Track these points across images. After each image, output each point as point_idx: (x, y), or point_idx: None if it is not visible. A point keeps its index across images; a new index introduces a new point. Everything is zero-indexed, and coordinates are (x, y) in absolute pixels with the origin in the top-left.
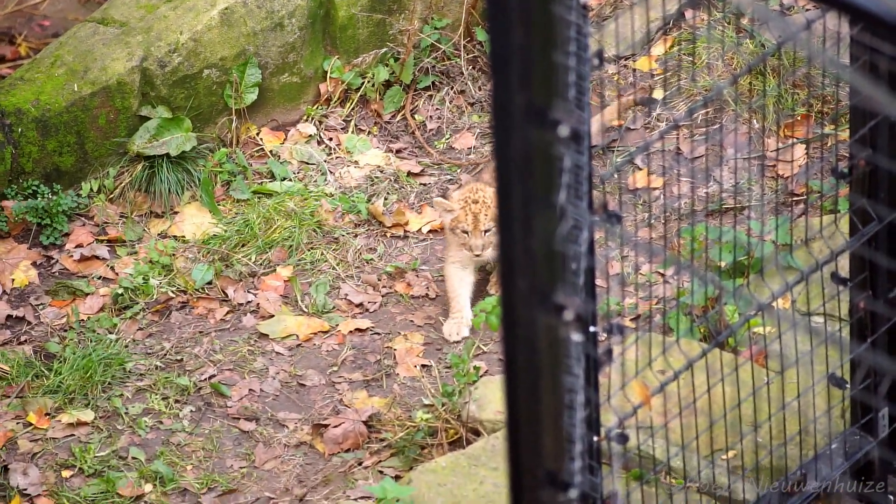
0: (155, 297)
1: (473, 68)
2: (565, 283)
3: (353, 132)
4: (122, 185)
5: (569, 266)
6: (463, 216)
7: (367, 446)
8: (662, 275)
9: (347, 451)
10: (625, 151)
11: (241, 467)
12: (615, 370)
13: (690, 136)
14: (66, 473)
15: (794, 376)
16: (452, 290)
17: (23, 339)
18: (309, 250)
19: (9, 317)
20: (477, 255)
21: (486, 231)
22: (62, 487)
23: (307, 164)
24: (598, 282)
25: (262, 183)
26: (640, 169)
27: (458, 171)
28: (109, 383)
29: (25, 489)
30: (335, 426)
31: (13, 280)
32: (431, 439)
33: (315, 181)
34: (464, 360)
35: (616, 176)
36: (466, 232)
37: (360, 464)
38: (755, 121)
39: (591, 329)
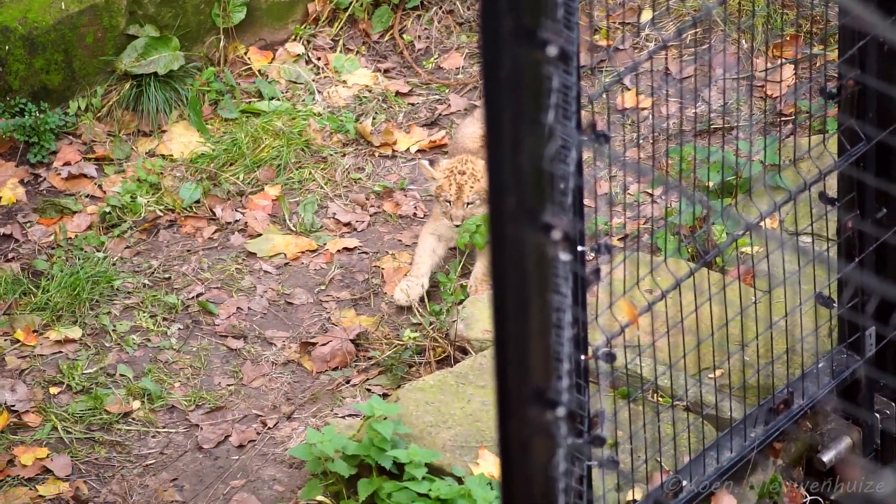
0: (143, 215)
1: None
2: (553, 203)
3: (341, 52)
4: (110, 103)
5: (557, 185)
6: (447, 185)
7: (354, 365)
8: (650, 194)
9: (335, 369)
10: (613, 71)
11: (228, 385)
12: (603, 289)
13: (679, 57)
14: (53, 390)
15: (781, 296)
16: (419, 255)
17: (10, 256)
18: (297, 169)
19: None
20: (456, 225)
21: (468, 203)
22: (50, 404)
23: (295, 83)
24: (587, 201)
25: (249, 102)
26: (629, 89)
27: (447, 91)
28: (97, 301)
29: (13, 405)
30: (323, 344)
31: (1, 198)
32: (419, 358)
33: (303, 100)
34: (451, 278)
35: (604, 96)
36: (449, 201)
37: (347, 382)
38: (744, 41)
39: (579, 248)
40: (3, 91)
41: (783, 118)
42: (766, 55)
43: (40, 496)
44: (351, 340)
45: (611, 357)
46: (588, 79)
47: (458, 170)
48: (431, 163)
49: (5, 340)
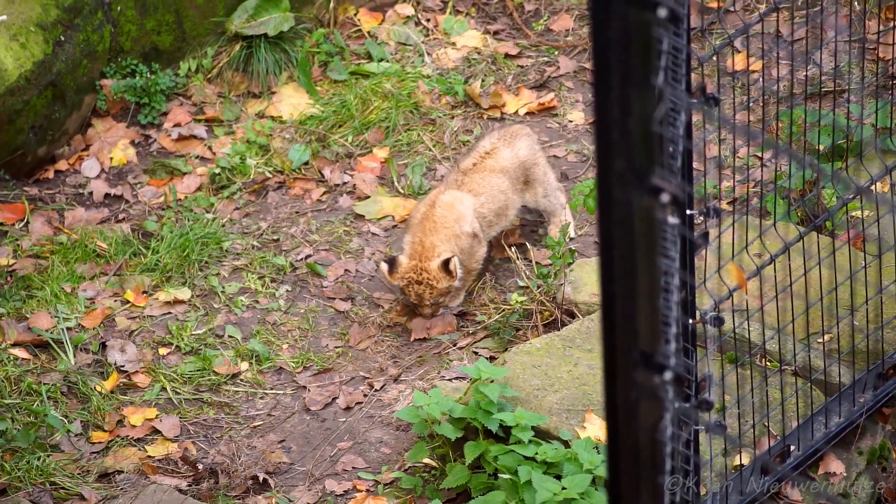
0: (252, 177)
1: None
2: (662, 166)
3: (450, 13)
4: (220, 64)
5: (666, 148)
6: (408, 291)
7: (461, 328)
8: (760, 158)
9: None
10: (724, 34)
11: (336, 347)
12: (711, 253)
13: (790, 19)
14: (162, 351)
15: (891, 260)
16: None
17: (121, 217)
18: (405, 131)
19: (107, 195)
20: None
21: (432, 303)
22: (159, 365)
23: (404, 45)
24: (695, 165)
25: (359, 64)
26: (739, 52)
27: (556, 53)
28: (206, 262)
29: (123, 366)
30: None
31: (111, 158)
32: (526, 321)
33: (412, 62)
34: (559, 242)
35: (715, 58)
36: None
37: (454, 345)
38: (856, 3)
39: (688, 212)
40: (115, 52)
41: (895, 81)
42: (878, 17)
43: (149, 456)
44: (454, 313)
45: (719, 321)
46: (698, 41)
47: (415, 280)
48: (391, 265)
49: (115, 301)
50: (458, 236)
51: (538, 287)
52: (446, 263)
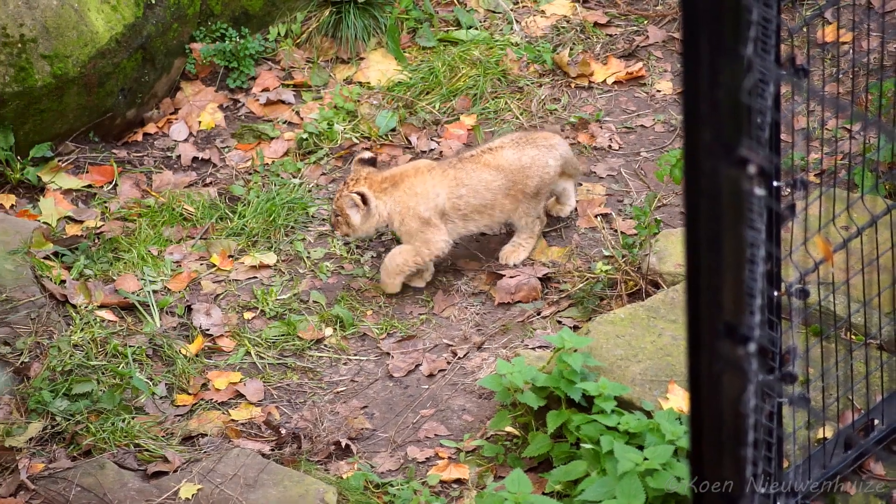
0: (339, 142)
1: None
2: (750, 137)
3: None
4: (309, 30)
5: (754, 119)
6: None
7: (545, 297)
8: (849, 130)
9: (518, 302)
10: (814, 5)
11: (420, 314)
12: (797, 225)
13: None
14: (247, 315)
15: None
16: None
17: (208, 181)
18: (493, 99)
19: (195, 158)
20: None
21: (335, 214)
22: (244, 329)
23: (493, 12)
24: (783, 136)
25: (447, 31)
26: (830, 23)
27: (645, 22)
28: (292, 227)
29: (208, 329)
30: (510, 277)
31: (200, 122)
32: (610, 291)
33: (501, 30)
34: (645, 212)
35: (804, 30)
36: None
37: (538, 313)
38: None
39: (775, 183)
40: (205, 16)
41: None
42: None
43: (233, 420)
44: (538, 278)
45: (804, 293)
46: (788, 12)
47: (346, 179)
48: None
49: (201, 265)
50: (409, 209)
51: (623, 257)
52: (363, 198)
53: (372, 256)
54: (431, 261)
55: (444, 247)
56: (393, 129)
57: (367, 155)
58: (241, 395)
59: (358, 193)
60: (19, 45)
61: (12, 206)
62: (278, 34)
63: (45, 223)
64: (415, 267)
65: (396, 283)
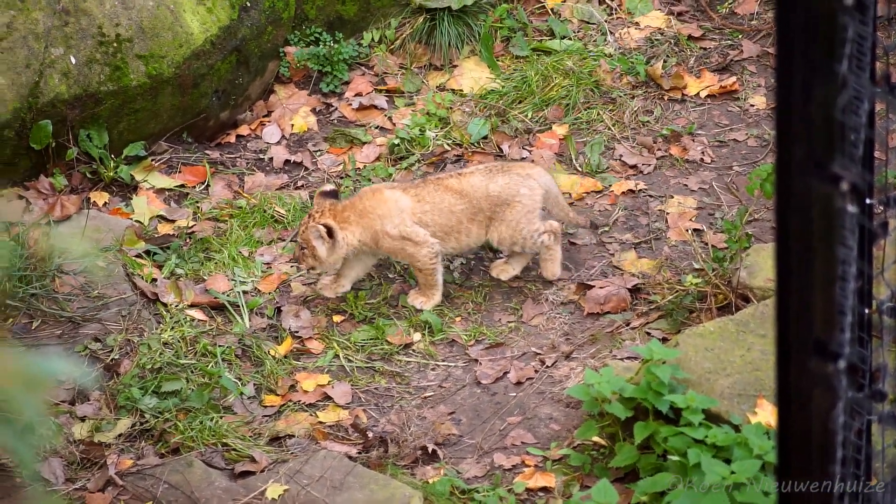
0: (430, 148)
1: None
2: (843, 154)
3: None
4: (403, 36)
5: (847, 136)
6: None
7: (634, 308)
8: None
9: (607, 313)
10: None
11: (508, 321)
12: (890, 243)
13: None
14: (336, 318)
15: None
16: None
17: (300, 184)
18: (585, 109)
19: (287, 161)
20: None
21: (301, 247)
22: (332, 332)
23: (587, 23)
24: (877, 154)
25: (541, 40)
26: None
27: (739, 36)
28: None
29: (297, 331)
30: (600, 287)
31: (293, 125)
32: (700, 304)
33: (594, 41)
34: (736, 226)
35: None
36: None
37: (627, 324)
38: None
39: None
40: (299, 20)
41: None
42: None
43: (320, 422)
44: (628, 289)
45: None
46: (884, 29)
47: (310, 212)
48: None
49: (292, 267)
50: (377, 232)
51: (713, 270)
52: (329, 230)
53: (461, 263)
54: (434, 263)
55: (431, 252)
56: (485, 137)
57: (328, 188)
58: (328, 398)
59: (324, 225)
60: (115, 45)
61: (105, 203)
62: (372, 39)
63: (137, 221)
64: (433, 273)
65: (437, 293)
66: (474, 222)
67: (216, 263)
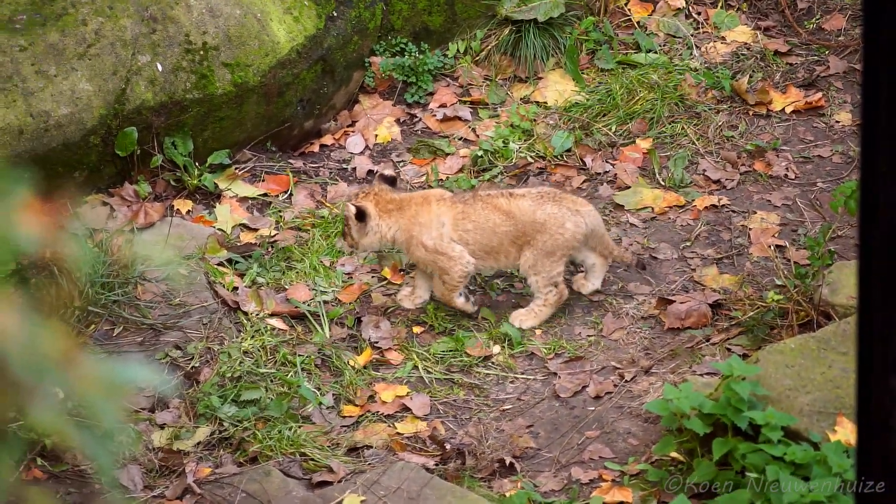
0: (514, 161)
1: None
2: None
3: (721, 7)
4: (489, 47)
5: None
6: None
7: (714, 324)
8: None
9: (688, 328)
10: None
11: (588, 335)
12: None
13: None
14: (416, 329)
15: None
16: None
17: None
18: (669, 123)
19: (370, 171)
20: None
21: (345, 224)
22: (412, 343)
23: (673, 37)
24: None
25: (626, 53)
26: None
27: (826, 52)
28: None
29: (376, 342)
30: (681, 302)
31: (376, 135)
32: (781, 320)
33: (680, 55)
34: (819, 242)
35: None
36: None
37: (707, 340)
38: None
39: None
40: (385, 30)
41: None
42: None
43: (398, 433)
44: (709, 304)
45: None
46: None
47: (357, 192)
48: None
49: (372, 277)
50: (412, 238)
51: (795, 287)
52: (361, 212)
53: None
54: (462, 281)
55: (465, 271)
56: (568, 150)
57: (388, 172)
58: (407, 409)
59: (358, 206)
60: (201, 53)
61: (189, 211)
62: (457, 51)
63: (220, 230)
64: (457, 288)
65: (458, 303)
66: (515, 245)
67: (297, 273)
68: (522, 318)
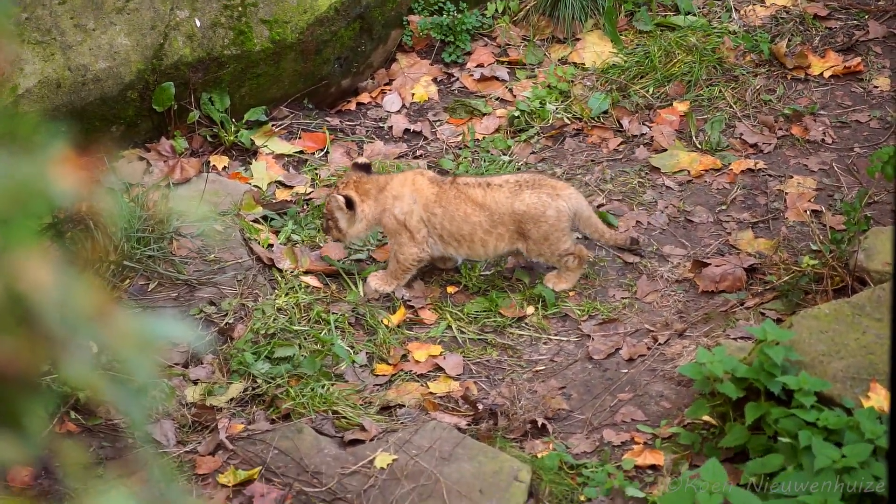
0: (550, 122)
1: None
2: None
3: None
4: (527, 7)
5: None
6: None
7: (749, 288)
8: None
9: (722, 291)
10: None
11: (622, 297)
12: None
13: None
14: (450, 289)
15: None
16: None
17: (418, 153)
18: (707, 87)
19: (406, 130)
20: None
21: (327, 218)
22: (446, 303)
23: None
24: None
25: (665, 16)
26: None
27: (866, 17)
28: None
29: (410, 301)
30: (716, 266)
31: (413, 94)
32: (816, 285)
33: (719, 17)
34: (855, 208)
35: None
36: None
37: (741, 304)
38: None
39: None
40: None
41: None
42: None
43: (431, 393)
44: (744, 268)
45: None
46: None
47: (336, 183)
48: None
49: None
50: (386, 210)
51: (830, 252)
52: (349, 201)
53: (577, 238)
54: (414, 265)
55: (419, 256)
56: (605, 112)
57: (362, 160)
58: (440, 369)
59: (343, 196)
60: (240, 9)
61: (225, 167)
62: (496, 10)
63: (255, 186)
64: (408, 272)
65: (396, 285)
66: (492, 234)
67: None
68: (555, 282)
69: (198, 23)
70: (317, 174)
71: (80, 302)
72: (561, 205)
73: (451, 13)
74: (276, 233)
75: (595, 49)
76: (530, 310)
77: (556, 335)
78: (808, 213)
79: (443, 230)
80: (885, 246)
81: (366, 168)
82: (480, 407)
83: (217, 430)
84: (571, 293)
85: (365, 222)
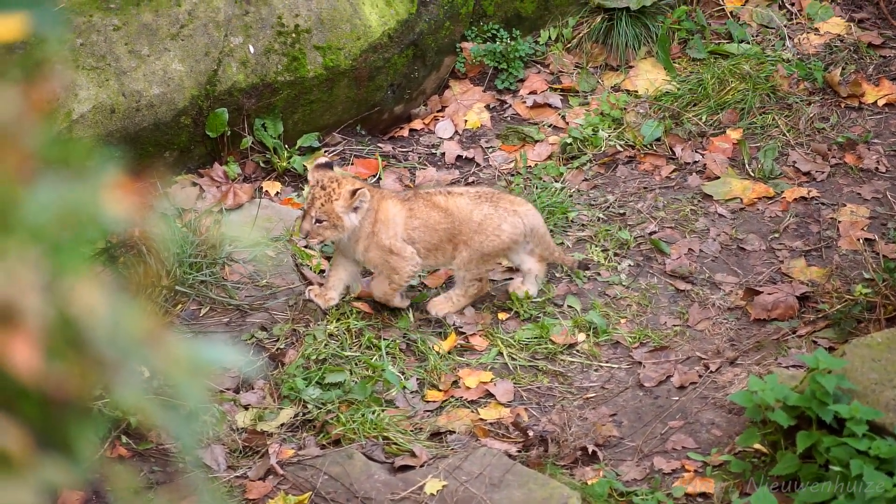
0: (603, 149)
1: None
2: None
3: None
4: (580, 35)
5: None
6: (307, 192)
7: (801, 316)
8: None
9: (774, 319)
10: None
11: (674, 325)
12: None
13: None
14: (501, 316)
15: None
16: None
17: (470, 180)
18: (760, 114)
19: (459, 157)
20: (303, 245)
21: (316, 220)
22: (497, 329)
23: (766, 27)
24: None
25: (718, 43)
26: None
27: None
28: (551, 230)
29: (461, 328)
30: (768, 294)
31: (466, 121)
32: (868, 314)
33: (772, 45)
34: None
35: None
36: (303, 209)
37: (793, 332)
38: None
39: None
40: (477, 16)
41: None
42: None
43: (481, 419)
44: (796, 296)
45: None
46: None
47: (321, 183)
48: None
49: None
50: (370, 234)
51: (884, 281)
52: (355, 191)
53: (629, 265)
54: (409, 281)
55: (413, 271)
56: (658, 139)
57: (322, 160)
58: (490, 395)
59: (353, 189)
60: (293, 35)
61: (277, 193)
62: (549, 38)
63: None
64: (401, 288)
65: (396, 302)
66: (451, 243)
67: None
68: (438, 306)
69: (251, 49)
70: None
71: (132, 327)
72: (517, 221)
73: (505, 40)
74: (328, 258)
75: (648, 76)
76: (581, 336)
77: (607, 362)
78: (860, 241)
79: (421, 242)
80: None
81: (329, 167)
82: (531, 433)
83: (267, 455)
84: (623, 320)
85: (357, 223)
